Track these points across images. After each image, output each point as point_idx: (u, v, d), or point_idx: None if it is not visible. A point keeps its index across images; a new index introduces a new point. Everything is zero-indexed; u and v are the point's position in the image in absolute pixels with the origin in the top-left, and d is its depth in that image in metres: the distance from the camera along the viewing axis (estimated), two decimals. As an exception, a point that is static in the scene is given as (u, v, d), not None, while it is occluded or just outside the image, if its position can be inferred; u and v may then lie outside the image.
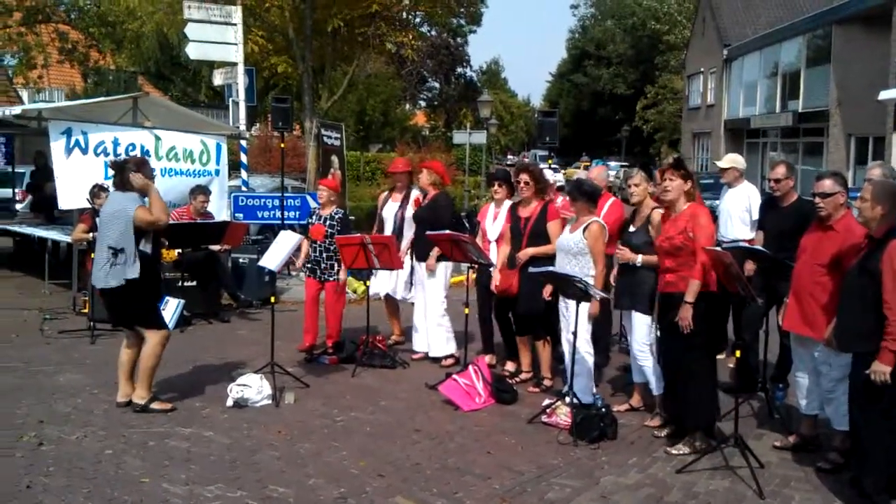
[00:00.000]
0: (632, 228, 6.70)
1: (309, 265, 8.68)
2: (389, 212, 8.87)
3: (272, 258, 7.21)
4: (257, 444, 5.97)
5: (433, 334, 8.31)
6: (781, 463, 5.84)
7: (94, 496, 4.98)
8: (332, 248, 8.57)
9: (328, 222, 8.65)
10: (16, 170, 15.82)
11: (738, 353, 5.98)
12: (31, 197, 15.05)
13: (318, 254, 8.63)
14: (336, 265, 8.64)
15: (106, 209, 6.65)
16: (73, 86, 34.72)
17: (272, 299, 7.49)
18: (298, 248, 7.95)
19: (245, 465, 5.56)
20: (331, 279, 8.70)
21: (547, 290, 6.95)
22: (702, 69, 42.73)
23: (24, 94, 30.50)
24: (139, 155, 10.49)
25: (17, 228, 13.04)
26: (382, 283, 8.89)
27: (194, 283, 10.50)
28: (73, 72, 30.14)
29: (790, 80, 32.49)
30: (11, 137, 15.21)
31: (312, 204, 8.85)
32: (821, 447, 5.93)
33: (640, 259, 6.41)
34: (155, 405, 6.59)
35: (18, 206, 15.18)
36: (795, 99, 31.44)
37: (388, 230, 8.76)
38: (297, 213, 12.66)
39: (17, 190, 15.85)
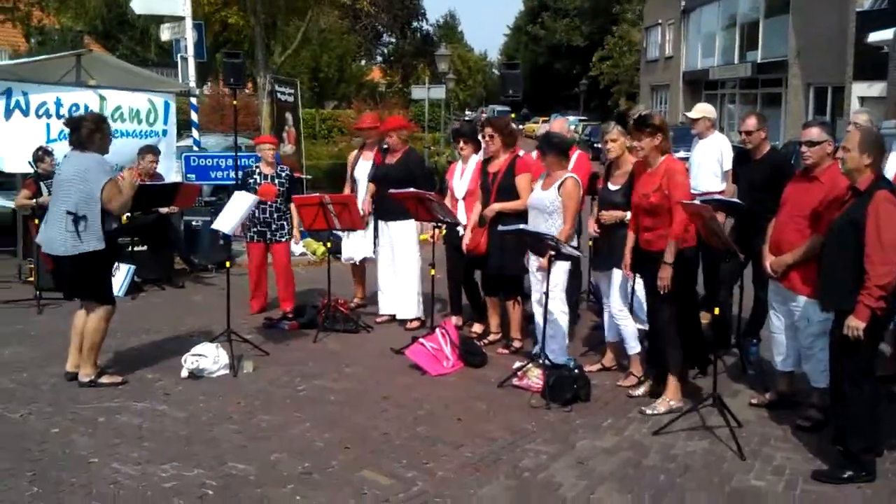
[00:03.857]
0: (611, 186, 6.41)
1: (256, 229, 8.33)
2: (362, 171, 8.42)
3: (226, 220, 6.83)
4: (215, 417, 5.66)
5: (404, 295, 8.00)
6: (759, 421, 5.68)
7: (40, 479, 4.65)
8: (283, 207, 8.25)
9: (277, 181, 8.31)
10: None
11: (717, 311, 5.76)
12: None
13: (268, 215, 8.30)
14: (286, 224, 8.34)
15: (64, 170, 6.16)
16: (17, 46, 33.47)
17: (227, 264, 7.14)
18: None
19: (202, 441, 5.25)
20: (282, 240, 8.39)
21: (543, 263, 6.34)
22: (659, 21, 42.53)
23: (-36, 55, 29.38)
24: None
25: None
26: (359, 247, 8.53)
27: (145, 247, 10.09)
28: (15, 32, 28.97)
29: (748, 30, 32.42)
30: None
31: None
32: (798, 404, 5.77)
33: (629, 216, 6.12)
34: (104, 379, 6.23)
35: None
36: (754, 49, 31.39)
37: (362, 190, 8.37)
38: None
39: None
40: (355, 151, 8.82)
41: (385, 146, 8.19)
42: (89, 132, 6.09)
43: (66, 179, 6.03)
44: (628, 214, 6.10)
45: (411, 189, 7.06)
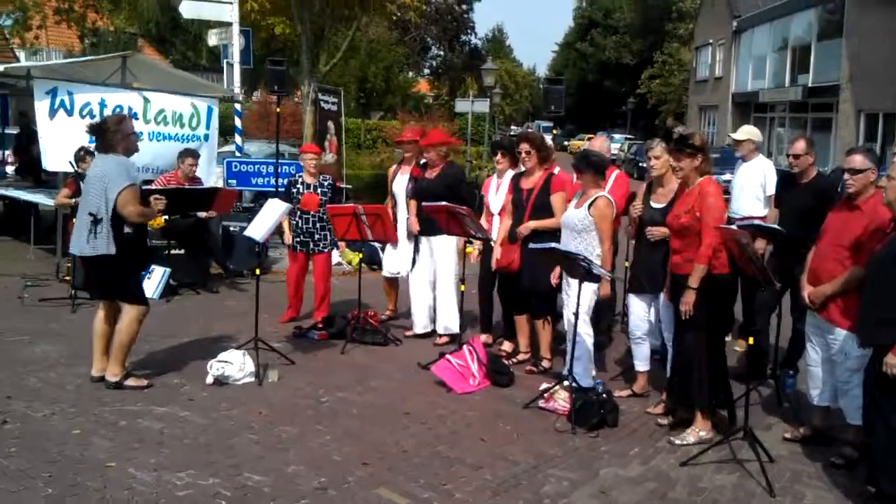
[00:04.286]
0: (654, 204, 6.28)
1: (299, 239, 8.31)
2: (400, 185, 8.33)
3: (258, 228, 6.80)
4: (236, 426, 5.61)
5: (443, 310, 7.88)
6: (792, 456, 5.50)
7: (55, 481, 4.62)
8: (325, 217, 8.22)
9: (319, 190, 8.29)
10: (8, 131, 15.39)
11: (751, 340, 5.58)
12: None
13: (310, 225, 8.28)
14: (329, 235, 8.30)
15: (90, 173, 6.24)
16: (72, 47, 34.03)
17: (257, 271, 7.10)
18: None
19: (220, 449, 5.20)
20: (324, 250, 8.37)
21: (555, 275, 6.52)
22: (710, 40, 42.07)
23: (22, 55, 29.89)
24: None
25: (2, 192, 12.63)
26: (399, 261, 8.41)
27: (182, 251, 10.13)
28: (71, 33, 29.45)
29: (800, 53, 31.90)
30: (6, 98, 14.78)
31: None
32: (833, 440, 5.58)
33: None
34: (130, 381, 6.22)
35: (9, 169, 14.78)
36: (805, 73, 30.88)
37: (401, 203, 8.29)
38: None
39: (7, 152, 15.42)
40: (395, 165, 8.75)
41: (423, 161, 8.11)
42: (111, 135, 6.13)
43: (89, 182, 6.12)
44: None
45: (443, 203, 6.97)
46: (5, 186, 12.91)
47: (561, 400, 6.07)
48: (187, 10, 12.99)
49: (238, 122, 13.55)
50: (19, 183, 13.15)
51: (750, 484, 5.01)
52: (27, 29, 22.22)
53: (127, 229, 6.14)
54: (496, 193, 7.49)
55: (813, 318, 5.52)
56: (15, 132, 15.36)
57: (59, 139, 9.88)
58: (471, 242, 7.47)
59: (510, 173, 7.44)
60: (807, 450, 5.57)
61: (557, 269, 6.50)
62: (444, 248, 7.80)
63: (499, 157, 7.53)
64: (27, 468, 4.78)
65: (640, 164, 28.56)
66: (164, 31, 46.19)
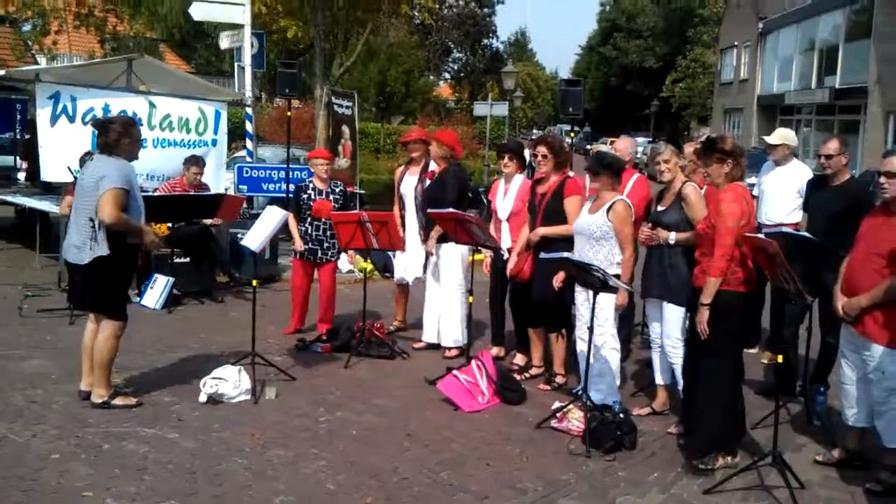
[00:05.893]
0: (660, 207, 5.90)
1: (307, 247, 7.96)
2: (408, 186, 7.97)
3: (255, 237, 6.46)
4: (226, 449, 5.25)
5: (446, 322, 7.55)
6: (824, 482, 5.08)
7: (25, 513, 4.31)
8: None
9: (332, 196, 7.94)
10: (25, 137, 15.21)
11: (780, 358, 5.14)
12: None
13: (320, 232, 7.94)
14: (337, 244, 7.96)
15: (87, 175, 5.82)
16: (93, 53, 33.97)
17: (254, 282, 6.72)
18: (284, 227, 7.16)
19: (206, 476, 4.84)
20: (332, 260, 8.02)
21: (558, 278, 6.14)
22: (735, 42, 41.43)
23: (43, 61, 29.83)
24: (129, 122, 9.82)
25: (9, 198, 12.39)
26: (409, 267, 8.05)
27: (187, 259, 9.82)
28: (92, 38, 29.31)
29: (827, 55, 31.24)
30: (25, 104, 14.59)
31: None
32: (870, 464, 5.15)
33: (672, 236, 5.65)
34: (118, 400, 5.87)
35: (20, 176, 14.58)
36: (832, 75, 30.23)
37: (409, 206, 7.95)
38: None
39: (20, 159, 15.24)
40: (402, 167, 8.40)
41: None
42: (118, 136, 5.77)
43: (88, 184, 5.70)
44: (672, 235, 5.67)
45: (450, 210, 6.62)
46: (13, 193, 12.69)
47: (575, 420, 5.68)
48: (198, 12, 12.69)
49: (249, 127, 13.24)
50: (28, 189, 12.93)
51: (779, 514, 4.60)
52: (45, 34, 22.13)
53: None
54: (503, 199, 7.10)
55: (847, 333, 5.10)
56: (28, 137, 15.19)
57: (60, 147, 9.59)
58: (479, 251, 7.10)
59: (518, 178, 7.07)
60: (841, 474, 5.16)
61: (561, 274, 6.10)
62: (448, 257, 7.44)
63: (506, 160, 7.14)
64: (-3, 497, 4.47)
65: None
66: (186, 36, 46.14)
